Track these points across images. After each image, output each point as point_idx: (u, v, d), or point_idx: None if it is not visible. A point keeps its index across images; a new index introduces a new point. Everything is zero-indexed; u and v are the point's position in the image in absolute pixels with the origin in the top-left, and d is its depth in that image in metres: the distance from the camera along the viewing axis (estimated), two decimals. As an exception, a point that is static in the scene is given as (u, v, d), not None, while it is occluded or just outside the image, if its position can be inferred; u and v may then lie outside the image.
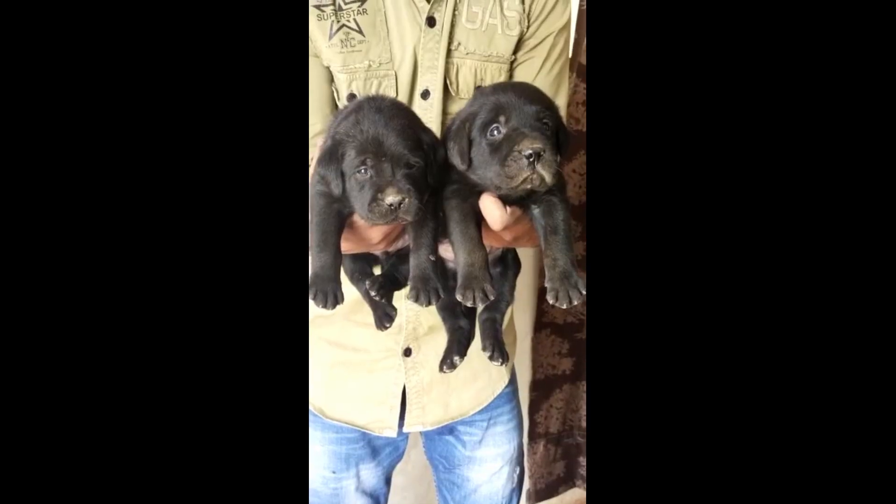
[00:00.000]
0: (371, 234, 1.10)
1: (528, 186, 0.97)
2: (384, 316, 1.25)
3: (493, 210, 1.03)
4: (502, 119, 0.98)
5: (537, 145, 0.93)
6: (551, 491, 2.89)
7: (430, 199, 1.06)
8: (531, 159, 0.94)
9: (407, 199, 0.95)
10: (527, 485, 2.82)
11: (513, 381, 1.66)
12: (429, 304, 1.03)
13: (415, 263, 1.06)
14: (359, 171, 0.98)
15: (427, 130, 1.08)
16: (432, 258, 1.06)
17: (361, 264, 1.26)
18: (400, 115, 1.02)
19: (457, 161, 1.02)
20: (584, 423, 2.73)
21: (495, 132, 0.98)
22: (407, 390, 1.48)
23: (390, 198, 0.95)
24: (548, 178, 0.96)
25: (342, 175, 1.00)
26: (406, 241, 1.11)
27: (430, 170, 1.03)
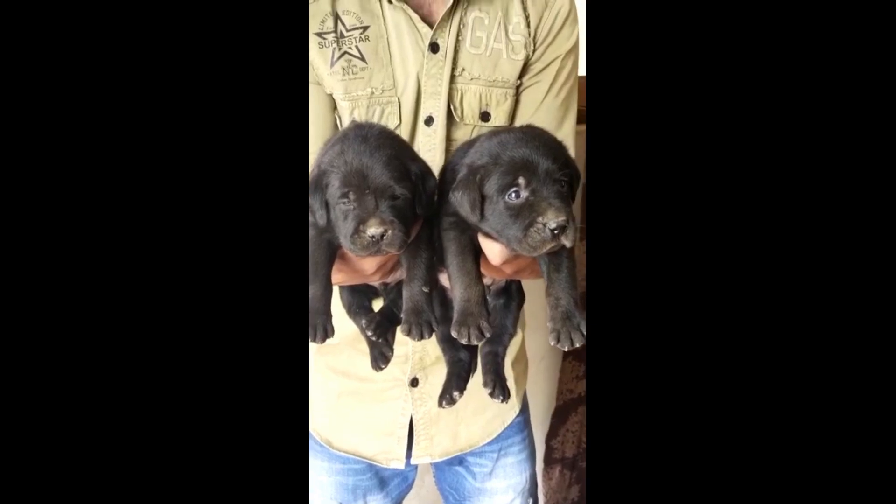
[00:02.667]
0: (364, 266, 1.07)
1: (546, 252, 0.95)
2: (380, 356, 1.22)
3: (492, 244, 1.00)
4: (522, 182, 0.93)
5: (562, 219, 0.89)
6: (569, 517, 2.82)
7: (423, 229, 1.03)
8: (556, 232, 0.90)
9: (390, 231, 0.93)
10: (544, 510, 2.76)
11: (524, 409, 1.62)
12: (420, 338, 1.00)
13: (407, 295, 1.03)
14: (342, 202, 0.96)
15: (417, 159, 1.05)
16: (426, 290, 1.02)
17: (360, 297, 1.23)
18: (387, 144, 0.99)
19: (465, 211, 0.97)
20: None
21: (513, 196, 0.93)
22: (414, 421, 1.45)
23: (372, 229, 0.93)
24: (569, 244, 0.92)
25: (327, 205, 0.98)
26: (403, 273, 1.08)
27: (419, 200, 1.00)
